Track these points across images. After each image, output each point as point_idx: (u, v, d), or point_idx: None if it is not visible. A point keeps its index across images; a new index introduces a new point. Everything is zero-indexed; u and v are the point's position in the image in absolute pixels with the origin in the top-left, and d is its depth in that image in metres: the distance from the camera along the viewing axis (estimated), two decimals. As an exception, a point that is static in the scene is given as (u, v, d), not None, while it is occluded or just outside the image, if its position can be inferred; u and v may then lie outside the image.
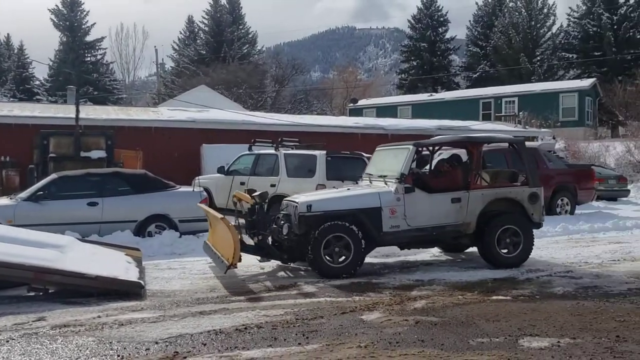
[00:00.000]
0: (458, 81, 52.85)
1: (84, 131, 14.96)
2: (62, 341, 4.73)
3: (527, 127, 27.31)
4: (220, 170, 13.87)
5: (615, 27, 42.87)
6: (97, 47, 52.89)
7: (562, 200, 13.83)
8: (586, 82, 36.38)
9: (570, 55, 45.78)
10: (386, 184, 7.85)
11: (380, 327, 5.04)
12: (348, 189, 8.30)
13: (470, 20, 52.49)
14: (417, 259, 8.80)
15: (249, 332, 4.93)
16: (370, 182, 8.37)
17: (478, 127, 24.62)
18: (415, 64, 51.96)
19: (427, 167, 9.01)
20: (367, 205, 7.55)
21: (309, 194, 8.37)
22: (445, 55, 52.90)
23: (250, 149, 14.14)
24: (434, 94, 42.83)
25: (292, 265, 8.01)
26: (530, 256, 8.78)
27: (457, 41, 54.64)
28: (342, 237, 7.31)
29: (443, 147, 9.85)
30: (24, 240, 7.12)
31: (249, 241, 7.87)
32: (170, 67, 55.81)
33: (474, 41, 51.31)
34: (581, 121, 34.39)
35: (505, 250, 7.94)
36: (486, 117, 35.10)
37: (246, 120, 20.50)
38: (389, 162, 8.29)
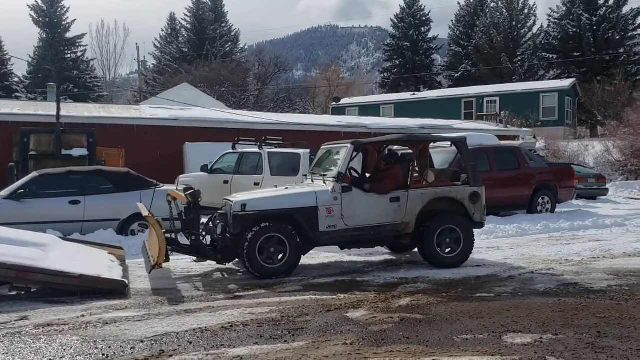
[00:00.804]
0: (440, 80, 53.21)
1: (65, 129, 14.80)
2: (45, 340, 4.70)
3: (508, 126, 27.59)
4: (204, 168, 13.82)
5: (595, 27, 43.46)
6: (77, 44, 52.23)
7: (542, 198, 13.98)
8: (566, 82, 36.88)
9: (551, 56, 46.33)
10: (324, 183, 7.81)
11: (366, 324, 5.07)
12: (286, 188, 8.20)
13: (452, 20, 52.90)
14: (401, 258, 8.85)
15: (234, 330, 4.94)
16: (312, 181, 8.31)
17: (460, 125, 24.82)
18: (397, 62, 52.17)
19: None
20: (303, 204, 7.45)
21: (247, 193, 8.28)
22: (427, 54, 53.22)
23: (233, 147, 14.11)
24: (416, 93, 43.12)
25: (226, 265, 7.85)
26: (510, 254, 8.93)
27: (439, 40, 55.03)
28: (277, 237, 7.19)
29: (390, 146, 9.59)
30: (5, 239, 7.01)
31: (186, 241, 7.72)
32: (152, 64, 55.48)
33: (456, 41, 51.68)
34: (561, 121, 34.84)
35: (447, 250, 7.89)
36: (468, 116, 35.38)
37: (229, 119, 20.44)
38: (331, 161, 8.23)
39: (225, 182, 12.92)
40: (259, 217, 7.26)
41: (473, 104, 37.27)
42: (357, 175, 8.47)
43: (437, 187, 8.15)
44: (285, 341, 4.62)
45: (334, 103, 41.59)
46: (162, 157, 18.24)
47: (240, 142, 14.08)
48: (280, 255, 7.23)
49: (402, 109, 37.18)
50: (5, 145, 16.25)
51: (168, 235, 7.56)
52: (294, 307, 5.67)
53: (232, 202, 7.48)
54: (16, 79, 52.56)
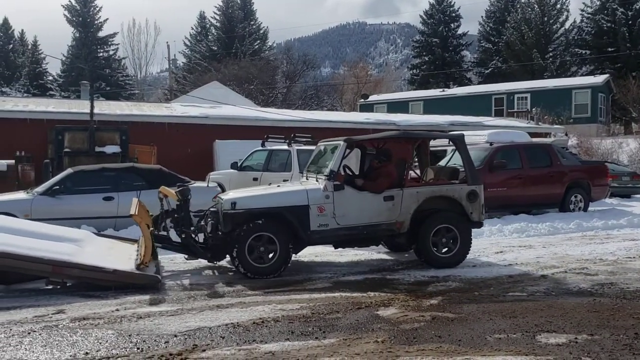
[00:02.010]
0: (470, 77, 52.63)
1: (98, 126, 15.09)
2: (82, 334, 4.79)
3: (539, 123, 27.17)
4: (234, 165, 13.94)
5: (630, 22, 42.47)
6: (109, 43, 53.20)
7: (575, 197, 13.73)
8: (599, 79, 36.12)
9: (584, 51, 45.46)
10: (317, 181, 7.67)
11: (397, 322, 5.06)
12: (278, 186, 8.12)
13: (482, 16, 52.32)
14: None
15: (266, 326, 4.97)
16: (307, 179, 8.21)
17: (491, 122, 24.55)
18: (427, 59, 51.84)
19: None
20: (293, 202, 7.30)
21: (238, 191, 8.20)
22: (457, 50, 52.74)
23: (263, 144, 14.19)
24: (445, 89, 42.68)
25: (217, 263, 7.81)
26: (543, 253, 8.80)
27: (469, 37, 54.44)
28: (267, 236, 7.08)
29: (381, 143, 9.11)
30: (42, 234, 7.20)
31: (177, 239, 7.66)
32: (182, 63, 56.12)
33: (486, 37, 51.08)
34: (594, 118, 34.16)
35: (443, 250, 7.71)
36: (498, 113, 34.96)
37: (258, 117, 20.57)
38: (325, 158, 8.11)
39: (255, 179, 13.01)
40: (249, 215, 7.15)
41: (503, 100, 36.78)
42: (350, 173, 8.32)
43: (434, 186, 8.01)
44: (316, 338, 4.63)
45: (362, 100, 41.50)
46: (192, 154, 18.45)
47: (269, 140, 14.16)
48: (271, 255, 7.11)
49: (431, 106, 36.88)
50: (40, 142, 16.66)
51: (163, 232, 7.62)
52: (324, 304, 5.69)
53: (222, 199, 7.45)
54: (50, 78, 53.77)
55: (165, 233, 7.67)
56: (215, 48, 51.64)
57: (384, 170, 7.95)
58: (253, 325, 4.99)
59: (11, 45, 57.13)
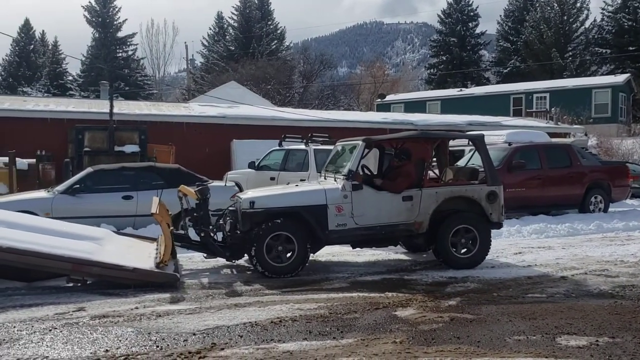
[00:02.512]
0: (488, 77, 52.25)
1: (117, 126, 15.23)
2: (102, 331, 4.85)
3: (559, 123, 26.90)
4: (251, 165, 14.00)
5: (652, 21, 41.87)
6: (128, 43, 53.70)
7: (595, 197, 13.57)
8: (620, 78, 35.62)
9: (604, 50, 44.89)
10: (335, 181, 7.65)
11: (415, 323, 5.04)
12: (296, 185, 8.09)
13: (501, 15, 51.89)
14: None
15: (284, 325, 4.98)
16: (325, 178, 8.20)
17: (509, 122, 24.35)
18: (444, 58, 51.55)
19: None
20: (312, 202, 7.29)
21: (256, 190, 8.22)
22: (475, 50, 52.37)
23: (280, 144, 14.22)
24: (463, 89, 42.38)
25: (235, 262, 7.83)
26: (562, 254, 8.71)
27: (487, 36, 54.03)
28: (285, 235, 7.09)
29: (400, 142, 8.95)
30: (62, 233, 7.29)
31: (196, 237, 7.71)
32: (200, 63, 56.48)
33: (505, 36, 50.65)
34: (614, 117, 33.71)
35: (462, 251, 7.64)
36: (517, 113, 34.64)
37: (276, 116, 20.63)
38: (344, 158, 8.07)
39: (272, 178, 13.05)
40: (267, 214, 7.17)
41: (522, 100, 36.43)
42: (369, 173, 8.31)
43: (453, 186, 7.96)
44: (334, 338, 4.63)
45: (379, 100, 41.39)
46: (210, 154, 18.55)
47: (286, 139, 14.19)
48: (289, 254, 7.12)
49: (448, 106, 36.65)
50: (61, 141, 16.84)
51: (182, 231, 7.69)
52: (341, 304, 5.68)
53: (241, 199, 7.49)
54: (70, 78, 54.41)
55: (183, 232, 7.72)
56: (233, 48, 51.87)
57: (403, 170, 7.93)
58: (271, 324, 5.01)
59: (32, 46, 57.83)
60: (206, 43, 55.24)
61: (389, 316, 5.27)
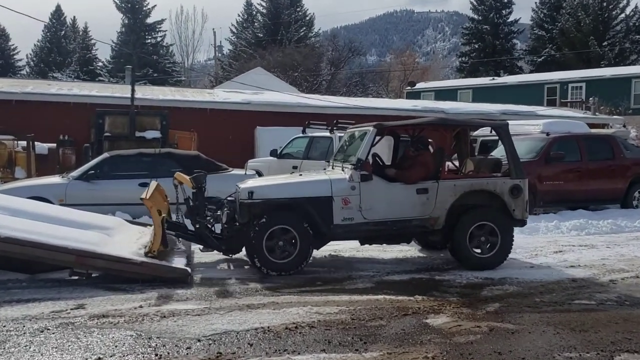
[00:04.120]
0: (521, 65, 50.80)
1: (138, 111, 14.84)
2: (98, 334, 4.36)
3: (597, 113, 25.78)
4: (273, 153, 13.45)
5: (697, 7, 40.00)
6: (157, 29, 53.54)
7: (639, 192, 12.73)
8: (662, 67, 34.14)
9: (645, 39, 43.15)
10: (343, 171, 6.99)
11: (449, 333, 4.44)
12: (300, 175, 7.44)
13: (536, 2, 50.21)
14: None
15: (299, 332, 4.44)
16: (333, 168, 7.54)
17: (545, 112, 23.40)
18: (476, 47, 50.19)
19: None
20: (316, 193, 6.66)
21: (258, 179, 7.60)
22: (508, 38, 50.88)
23: (304, 131, 13.64)
24: (495, 77, 41.21)
25: (232, 257, 7.23)
26: (608, 254, 7.99)
27: (521, 24, 52.48)
28: (287, 229, 6.50)
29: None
30: (71, 222, 6.87)
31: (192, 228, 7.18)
32: (228, 50, 56.05)
33: (540, 24, 49.05)
34: (656, 108, 32.32)
35: (481, 250, 6.95)
36: (551, 103, 33.48)
37: (301, 103, 20.04)
38: (354, 146, 7.38)
39: (295, 167, 12.47)
40: (267, 206, 6.59)
41: (557, 90, 35.21)
42: (381, 163, 7.61)
43: (473, 179, 7.23)
44: (357, 350, 4.07)
45: (409, 87, 40.47)
46: (233, 141, 18.08)
47: (311, 126, 13.60)
48: (290, 249, 6.53)
49: (480, 95, 35.62)
50: (84, 126, 16.55)
51: (179, 220, 7.18)
52: (365, 309, 5.11)
53: (239, 188, 6.91)
54: (100, 64, 54.60)
55: (179, 220, 7.22)
56: (261, 35, 51.32)
57: (419, 159, 7.26)
58: (285, 331, 4.47)
59: (63, 32, 58.28)
60: (234, 30, 54.81)
61: (419, 324, 4.68)
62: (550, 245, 8.80)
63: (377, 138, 7.15)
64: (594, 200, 12.56)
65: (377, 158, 7.56)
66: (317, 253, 7.68)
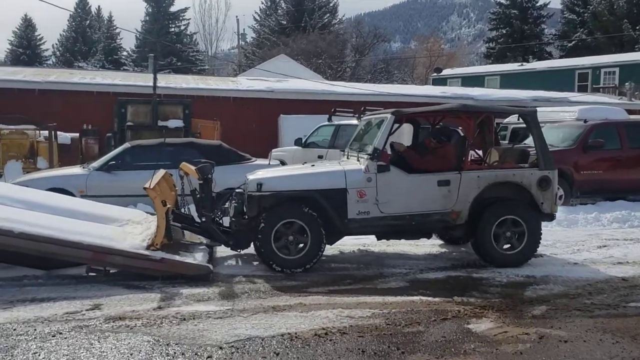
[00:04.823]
0: (550, 51, 49.50)
1: (161, 99, 14.58)
2: (113, 339, 4.04)
3: (632, 99, 24.84)
4: (297, 142, 13.07)
5: None
6: (180, 18, 53.40)
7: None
8: (701, 51, 32.83)
9: (682, 22, 41.58)
10: (358, 161, 6.54)
11: (495, 342, 4.03)
12: (313, 165, 6.98)
13: (567, -15, 48.77)
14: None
15: (330, 340, 4.06)
16: (348, 158, 7.08)
17: (578, 98, 22.60)
18: (504, 32, 48.94)
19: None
20: (329, 185, 6.24)
21: (269, 170, 7.17)
22: (537, 22, 49.52)
23: (329, 119, 13.24)
24: (524, 63, 40.16)
25: (241, 252, 6.78)
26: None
27: (550, 9, 51.08)
28: (297, 223, 6.09)
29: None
30: (89, 215, 6.60)
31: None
32: (252, 38, 55.67)
33: (570, 7, 47.64)
34: (694, 94, 31.10)
35: (506, 246, 6.48)
36: (582, 89, 32.45)
37: (326, 90, 19.61)
38: (371, 135, 6.88)
39: (320, 156, 12.08)
40: (277, 198, 6.19)
41: (588, 75, 34.13)
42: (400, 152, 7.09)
43: (498, 170, 6.73)
44: (394, 361, 3.69)
45: (435, 74, 39.69)
46: (257, 129, 17.78)
47: (337, 114, 13.18)
48: (301, 245, 6.13)
49: (508, 81, 34.72)
50: (107, 115, 16.36)
51: (185, 212, 6.83)
52: (400, 312, 4.71)
53: (248, 179, 6.52)
54: (125, 53, 54.72)
55: (186, 212, 6.88)
56: (285, 22, 50.80)
57: (440, 149, 6.78)
58: (314, 337, 4.10)
59: (88, 21, 58.49)
60: (258, 18, 54.35)
61: (461, 330, 4.27)
62: (593, 239, 8.28)
63: (396, 126, 6.71)
64: (635, 190, 11.94)
65: (395, 147, 7.13)
66: (345, 248, 7.34)
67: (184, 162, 7.05)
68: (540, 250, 7.32)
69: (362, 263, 6.68)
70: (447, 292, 5.36)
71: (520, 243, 6.48)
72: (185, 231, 6.95)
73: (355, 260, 6.87)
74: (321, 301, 5.05)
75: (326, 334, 4.17)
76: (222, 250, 7.13)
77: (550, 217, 6.83)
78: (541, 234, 6.67)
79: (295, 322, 4.44)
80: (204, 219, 6.59)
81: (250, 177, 6.59)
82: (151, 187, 5.94)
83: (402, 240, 7.39)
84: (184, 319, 4.51)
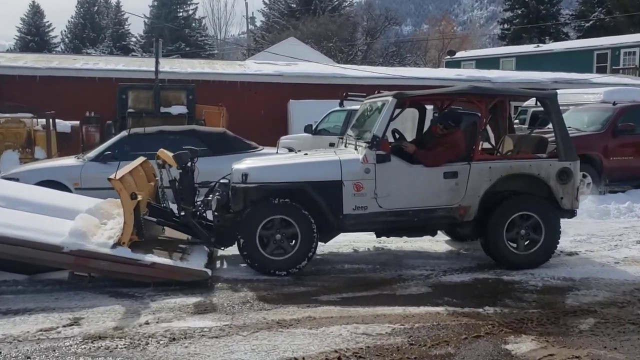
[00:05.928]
0: (567, 31, 48.20)
1: (163, 85, 13.94)
2: (88, 366, 3.44)
3: (656, 80, 23.87)
4: (307, 129, 12.39)
5: None
6: (188, 2, 52.65)
7: None
8: None
9: None
10: (356, 150, 5.91)
11: (541, 369, 3.38)
12: (306, 154, 6.31)
13: (584, -37, 47.35)
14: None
15: (344, 366, 3.43)
16: (345, 146, 6.40)
17: (600, 79, 21.68)
18: (519, 12, 47.71)
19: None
20: (322, 177, 5.63)
21: (257, 159, 6.50)
22: (553, 2, 48.22)
23: (341, 104, 12.54)
24: (540, 44, 39.05)
25: (224, 249, 6.07)
26: None
27: (567, -12, 49.77)
28: (285, 219, 5.50)
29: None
30: (73, 212, 5.96)
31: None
32: (261, 22, 54.79)
33: (588, -14, 46.30)
34: None
35: (521, 246, 5.80)
36: (601, 70, 31.44)
37: (337, 74, 18.86)
38: (370, 120, 6.20)
39: (332, 144, 11.38)
40: (264, 191, 5.60)
41: (607, 56, 33.10)
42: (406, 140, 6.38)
43: (512, 160, 5.99)
44: (421, 397, 3.05)
45: (448, 57, 38.72)
46: (265, 115, 17.14)
47: (349, 99, 12.47)
48: (291, 244, 5.55)
49: (524, 63, 33.71)
50: (109, 102, 15.74)
51: (164, 205, 6.19)
52: (425, 327, 4.05)
53: (233, 169, 5.89)
54: (133, 39, 54.10)
55: (165, 206, 6.22)
56: (294, 5, 49.84)
57: (448, 137, 6.03)
58: (325, 364, 3.47)
59: (96, 8, 57.94)
60: (267, 1, 53.42)
61: (499, 352, 3.62)
62: (630, 232, 7.58)
63: (397, 110, 6.02)
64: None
65: (397, 134, 6.42)
66: (359, 245, 6.71)
67: (161, 149, 6.33)
68: (575, 246, 6.68)
69: (378, 263, 6.03)
70: (477, 300, 4.70)
71: (537, 243, 5.80)
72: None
73: (371, 259, 6.21)
74: (333, 313, 4.40)
75: (339, 357, 3.53)
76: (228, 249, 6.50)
77: (571, 213, 6.07)
78: (560, 232, 5.94)
79: (303, 342, 3.80)
80: (182, 213, 5.92)
81: (235, 166, 5.94)
82: (116, 177, 5.20)
83: (422, 237, 6.71)
84: (174, 339, 3.89)
